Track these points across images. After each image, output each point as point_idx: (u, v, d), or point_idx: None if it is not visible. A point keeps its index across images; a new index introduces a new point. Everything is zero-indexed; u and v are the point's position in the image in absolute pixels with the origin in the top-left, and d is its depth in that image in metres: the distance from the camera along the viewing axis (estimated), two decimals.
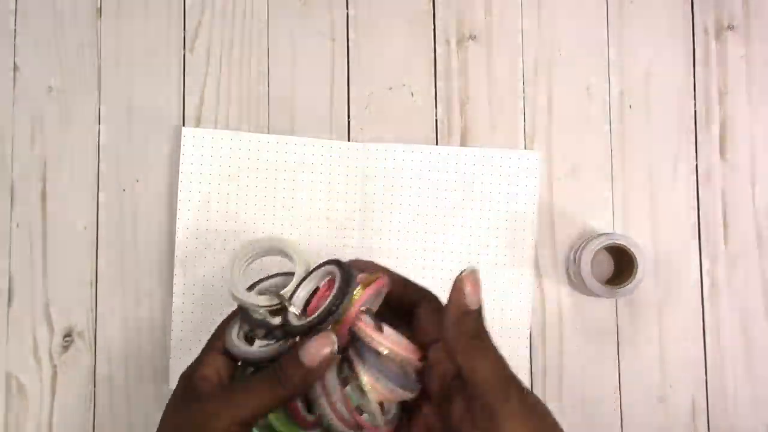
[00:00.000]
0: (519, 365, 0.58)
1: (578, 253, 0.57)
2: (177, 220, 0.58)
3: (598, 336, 0.60)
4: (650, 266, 0.59)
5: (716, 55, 0.62)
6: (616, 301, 0.59)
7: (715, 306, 0.60)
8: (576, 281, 0.58)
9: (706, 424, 0.59)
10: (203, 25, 0.60)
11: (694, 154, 0.61)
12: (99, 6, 0.60)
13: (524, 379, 0.58)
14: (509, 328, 0.58)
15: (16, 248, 0.58)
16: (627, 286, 0.56)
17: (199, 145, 0.58)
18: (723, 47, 0.62)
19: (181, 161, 0.58)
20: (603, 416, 0.59)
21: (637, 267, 0.56)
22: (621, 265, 0.59)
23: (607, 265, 0.60)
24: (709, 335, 0.60)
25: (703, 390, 0.59)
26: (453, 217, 0.59)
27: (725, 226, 0.60)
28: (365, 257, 0.58)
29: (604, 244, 0.56)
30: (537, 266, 0.60)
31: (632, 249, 0.56)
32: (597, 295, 0.57)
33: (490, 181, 0.59)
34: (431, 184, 0.59)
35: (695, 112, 0.61)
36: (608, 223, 0.60)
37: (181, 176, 0.58)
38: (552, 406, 0.59)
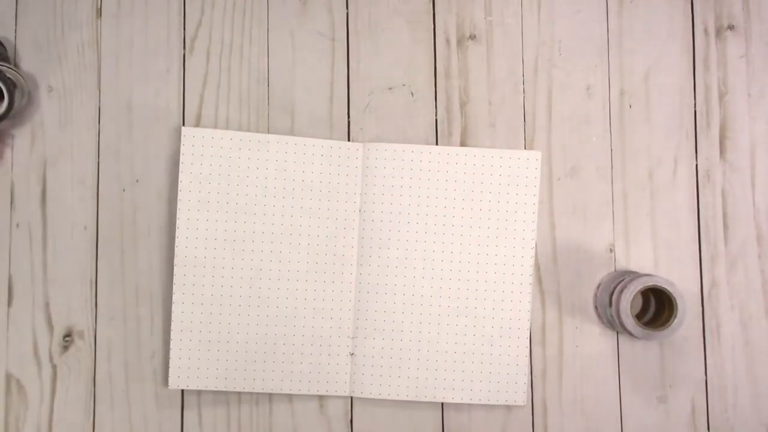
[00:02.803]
0: (519, 365, 0.58)
1: (615, 294, 0.55)
2: (177, 219, 0.58)
3: (598, 336, 0.60)
4: (688, 307, 0.59)
5: (716, 55, 0.62)
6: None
7: (715, 306, 0.60)
8: (608, 319, 0.57)
9: (706, 424, 0.59)
10: (203, 25, 0.60)
11: (694, 154, 0.61)
12: (99, 6, 0.60)
13: (524, 379, 0.58)
14: (509, 328, 0.58)
15: (16, 248, 0.58)
16: (666, 330, 0.54)
17: (199, 144, 0.58)
18: (723, 47, 0.62)
19: (181, 161, 0.58)
20: (603, 416, 0.59)
21: (677, 310, 0.54)
22: (648, 303, 0.59)
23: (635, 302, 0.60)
24: (709, 335, 0.60)
25: (703, 390, 0.59)
26: (453, 216, 0.59)
27: (725, 226, 0.60)
28: (365, 257, 0.58)
29: (644, 286, 0.55)
30: (537, 266, 0.60)
31: (672, 292, 0.54)
32: (631, 335, 0.56)
33: (490, 181, 0.59)
34: (431, 183, 0.59)
35: (695, 112, 0.61)
36: (609, 222, 0.60)
37: (181, 176, 0.58)
38: (552, 406, 0.59)
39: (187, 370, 0.57)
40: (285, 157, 0.59)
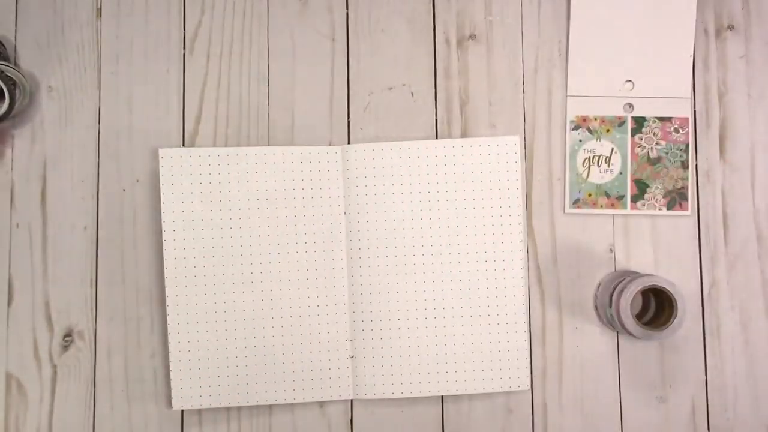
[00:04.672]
0: (519, 350, 0.58)
1: (615, 294, 0.55)
2: (163, 240, 0.57)
3: (598, 336, 0.60)
4: (688, 307, 0.59)
5: (716, 55, 0.62)
6: None
7: (715, 306, 0.60)
8: (608, 319, 0.57)
9: (706, 424, 0.59)
10: (203, 25, 0.60)
11: (694, 154, 0.61)
12: (99, 6, 0.60)
13: (525, 363, 0.58)
14: (506, 314, 0.58)
15: (16, 248, 0.58)
16: (666, 330, 0.54)
17: (177, 164, 0.58)
18: (723, 47, 0.62)
19: (161, 182, 0.57)
20: (603, 416, 0.59)
21: (677, 310, 0.54)
22: (648, 303, 0.59)
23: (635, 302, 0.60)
24: (709, 335, 0.60)
25: (703, 390, 0.59)
26: (438, 209, 0.58)
27: (725, 226, 0.60)
28: (355, 258, 0.58)
29: (644, 286, 0.54)
30: (537, 266, 0.59)
31: (672, 292, 0.54)
32: (631, 335, 0.55)
33: (471, 171, 0.59)
34: (412, 179, 0.59)
35: (695, 112, 0.61)
36: (609, 222, 0.60)
37: (162, 197, 0.57)
38: (552, 406, 0.59)
39: (189, 390, 0.57)
40: (265, 168, 0.58)
